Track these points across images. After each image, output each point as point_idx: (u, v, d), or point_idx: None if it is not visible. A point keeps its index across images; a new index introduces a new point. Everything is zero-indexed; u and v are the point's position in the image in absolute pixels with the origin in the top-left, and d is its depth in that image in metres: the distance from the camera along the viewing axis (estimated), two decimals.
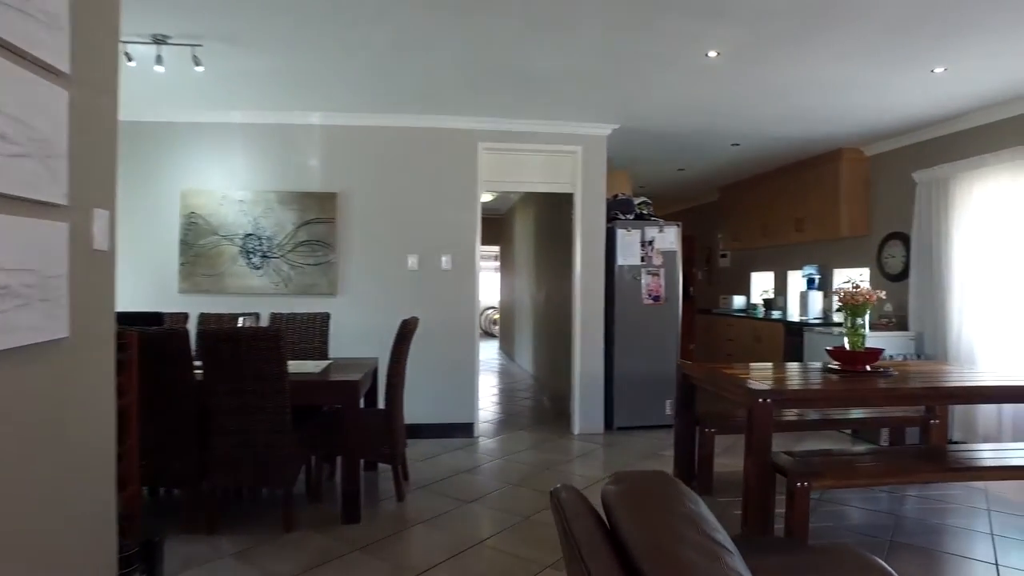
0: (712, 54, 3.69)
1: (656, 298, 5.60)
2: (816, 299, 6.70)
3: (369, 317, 5.03)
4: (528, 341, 8.63)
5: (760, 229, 7.60)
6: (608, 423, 5.49)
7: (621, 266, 5.53)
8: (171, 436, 3.08)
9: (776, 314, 7.41)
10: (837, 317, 6.44)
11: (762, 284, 8.29)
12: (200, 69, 3.61)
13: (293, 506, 3.27)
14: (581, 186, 5.40)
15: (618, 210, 5.64)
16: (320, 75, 4.14)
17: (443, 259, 5.18)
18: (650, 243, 5.58)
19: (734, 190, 8.21)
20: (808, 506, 2.79)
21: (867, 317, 3.67)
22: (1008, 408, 4.67)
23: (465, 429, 5.20)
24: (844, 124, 5.30)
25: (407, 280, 5.14)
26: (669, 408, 5.59)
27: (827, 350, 3.77)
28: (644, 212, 5.73)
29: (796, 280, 7.48)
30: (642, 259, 5.56)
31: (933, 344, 5.36)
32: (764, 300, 7.86)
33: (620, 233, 5.52)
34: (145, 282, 4.86)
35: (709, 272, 9.66)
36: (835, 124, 5.29)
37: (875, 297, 3.62)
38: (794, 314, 7.30)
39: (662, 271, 5.61)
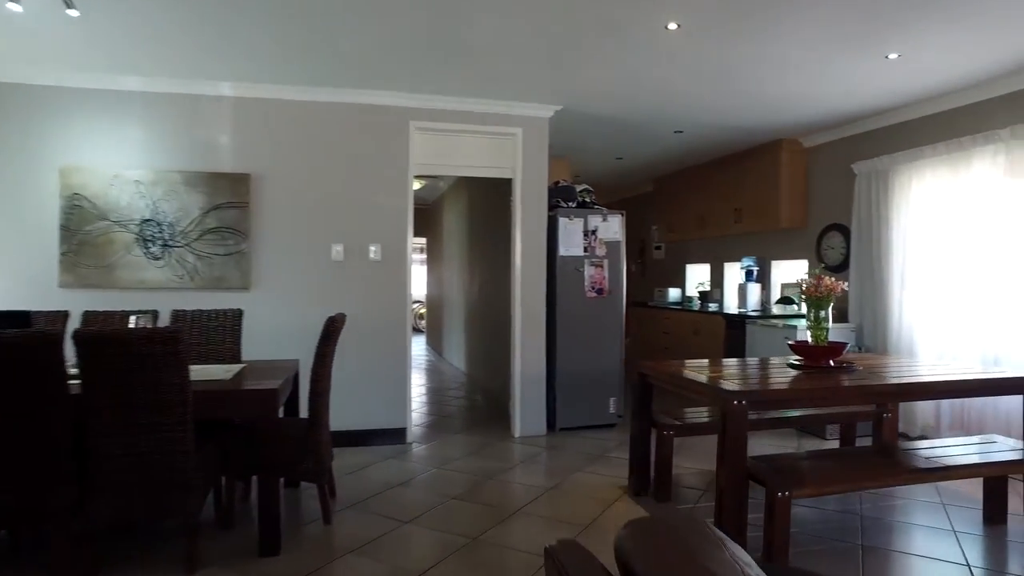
0: (672, 26, 3.40)
1: (600, 291, 5.32)
2: (754, 291, 6.63)
3: (288, 314, 4.50)
4: (459, 337, 8.23)
5: (696, 221, 7.48)
6: (550, 424, 5.17)
7: (563, 256, 5.22)
8: (37, 465, 2.51)
9: (713, 306, 7.32)
10: (776, 309, 6.39)
11: (697, 276, 8.21)
12: (74, 13, 2.99)
13: (199, 538, 2.75)
14: (521, 171, 5.03)
15: (559, 197, 5.32)
16: (232, 36, 3.58)
17: (371, 249, 4.70)
18: (593, 232, 5.29)
19: (670, 181, 8.07)
20: (789, 518, 2.54)
21: (830, 309, 3.49)
22: (946, 400, 4.67)
23: (396, 435, 4.76)
24: (788, 113, 5.17)
25: (331, 272, 4.63)
26: (613, 406, 5.33)
27: (789, 344, 3.57)
28: (587, 200, 5.43)
29: (733, 272, 7.42)
30: (585, 249, 5.27)
31: (873, 336, 5.33)
32: (700, 292, 7.77)
33: (562, 222, 5.21)
34: (15, 276, 4.15)
35: (643, 264, 9.54)
36: (779, 113, 5.15)
37: (840, 288, 3.44)
38: (731, 306, 7.23)
39: (606, 262, 5.33)
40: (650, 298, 8.68)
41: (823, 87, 4.50)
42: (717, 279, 7.67)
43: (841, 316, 5.65)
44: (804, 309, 6.28)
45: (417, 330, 14.46)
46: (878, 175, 5.28)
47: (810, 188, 6.15)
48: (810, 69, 4.10)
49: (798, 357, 3.54)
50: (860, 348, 5.34)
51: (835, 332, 5.39)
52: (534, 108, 4.96)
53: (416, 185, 9.00)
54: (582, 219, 5.26)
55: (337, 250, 4.63)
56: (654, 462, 3.59)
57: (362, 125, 4.67)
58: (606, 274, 5.34)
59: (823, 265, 5.84)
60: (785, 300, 6.31)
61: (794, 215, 6.12)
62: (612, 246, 5.35)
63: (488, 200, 6.66)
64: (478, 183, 7.14)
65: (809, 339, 3.49)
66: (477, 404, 6.34)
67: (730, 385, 2.76)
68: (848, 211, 5.64)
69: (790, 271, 6.57)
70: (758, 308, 6.60)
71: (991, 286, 4.40)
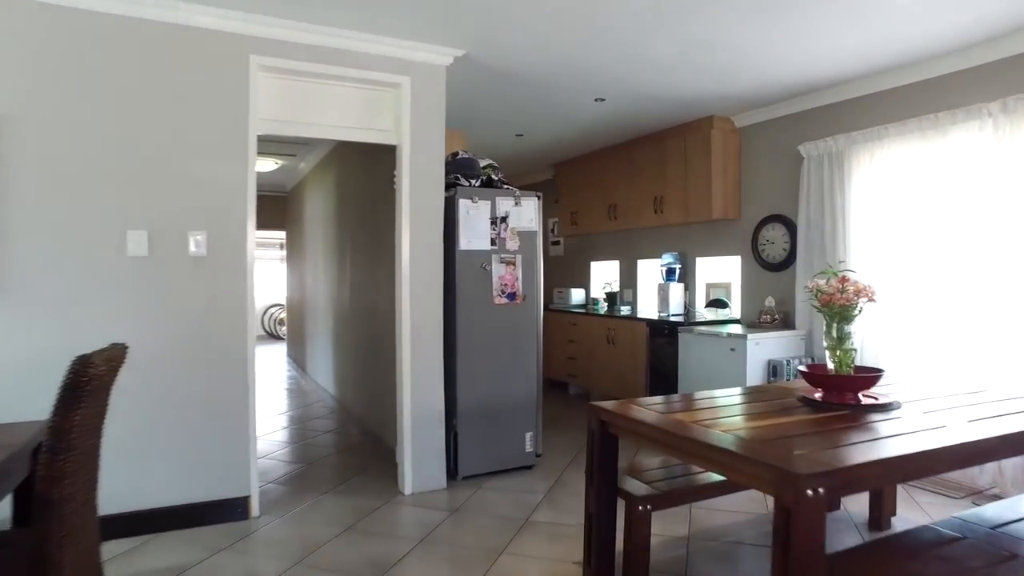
0: None
1: (512, 295, 4.15)
2: (677, 292, 5.75)
3: (49, 339, 2.92)
4: (327, 351, 6.75)
5: (606, 212, 6.52)
6: (451, 470, 3.93)
7: (464, 251, 3.99)
8: None
9: (624, 310, 6.40)
10: (707, 313, 5.54)
11: (603, 275, 7.27)
12: None
13: None
14: (410, 135, 3.74)
15: (458, 173, 4.08)
16: None
17: (192, 240, 3.22)
18: (503, 220, 4.10)
19: (575, 166, 7.06)
20: None
21: (855, 322, 2.53)
22: None
23: (235, 508, 3.30)
24: (728, 82, 4.27)
25: (127, 272, 3.10)
26: (530, 443, 4.18)
27: (801, 372, 2.57)
28: (493, 177, 4.23)
29: (647, 270, 6.54)
30: (493, 242, 4.07)
31: None
32: (607, 294, 6.83)
33: (463, 205, 3.97)
34: None
35: None
36: (718, 81, 4.24)
37: (871, 293, 2.48)
38: (646, 310, 6.34)
39: (519, 258, 4.17)
40: (549, 300, 7.64)
41: (785, 41, 3.59)
42: (629, 278, 6.76)
43: (785, 322, 4.87)
44: (738, 313, 5.52)
45: (277, 337, 12.68)
46: (832, 158, 4.51)
47: (743, 174, 5.34)
48: (776, 14, 3.16)
49: (812, 389, 2.57)
50: (812, 360, 4.56)
51: (780, 341, 4.58)
52: (429, 51, 3.69)
53: (270, 164, 7.38)
54: (489, 202, 4.05)
55: (137, 239, 3.11)
56: (623, 548, 2.46)
57: (179, 56, 3.17)
58: (519, 274, 4.17)
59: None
60: (717, 303, 5.47)
61: (727, 205, 5.28)
62: (527, 238, 4.19)
63: (363, 180, 5.29)
64: (350, 159, 5.74)
65: (829, 364, 2.52)
66: (352, 442, 4.96)
67: (799, 463, 1.66)
68: (791, 200, 4.87)
69: (717, 269, 5.75)
70: (681, 312, 5.73)
71: (971, 288, 3.71)
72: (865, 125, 4.31)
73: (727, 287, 5.60)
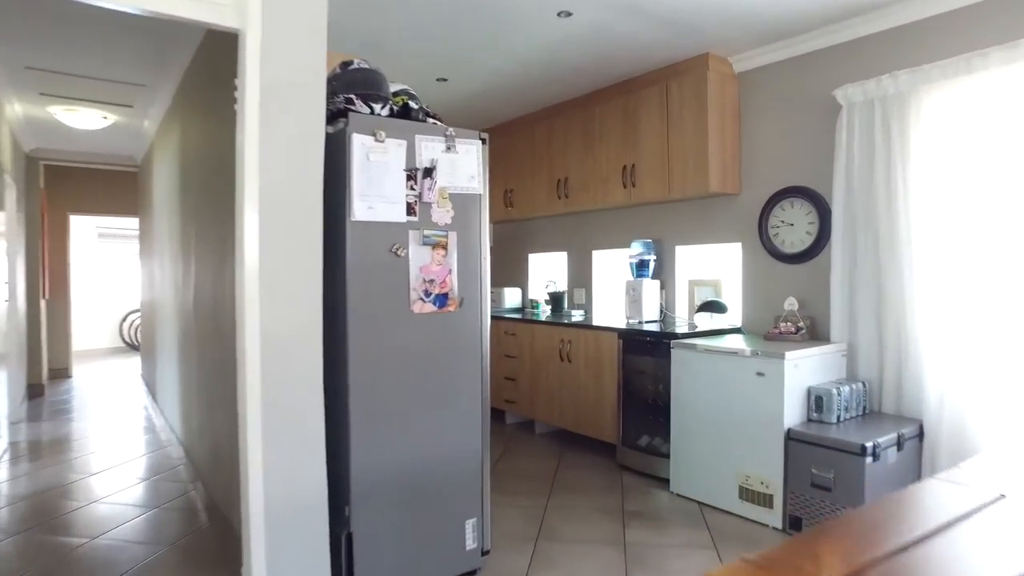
0: None
1: (442, 299, 2.58)
2: (652, 292, 4.36)
3: None
4: (173, 377, 4.90)
5: (553, 189, 5.04)
6: None
7: (362, 223, 2.37)
8: None
9: (576, 315, 4.96)
10: (700, 321, 4.17)
11: (544, 271, 5.81)
12: None
13: None
14: (262, 12, 2.11)
15: (353, 92, 2.46)
16: None
17: None
18: (428, 174, 2.52)
19: (512, 131, 5.53)
20: None
21: None
22: None
23: None
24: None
25: None
26: (473, 536, 2.62)
27: None
28: (411, 106, 2.63)
29: (606, 264, 5.13)
30: (410, 209, 2.49)
31: (877, 364, 3.27)
32: (550, 294, 5.37)
33: (360, 144, 2.35)
34: None
35: None
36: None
37: None
38: (604, 315, 4.93)
39: (453, 238, 2.60)
40: None
41: None
42: (580, 275, 5.32)
43: (816, 333, 3.56)
44: (739, 320, 4.18)
45: (134, 347, 10.51)
46: (887, 103, 3.22)
47: (744, 134, 4.01)
48: None
49: None
50: (865, 386, 3.25)
51: (815, 360, 3.24)
52: None
53: (94, 119, 5.29)
54: (404, 143, 2.46)
55: None
56: None
57: None
58: (454, 264, 2.61)
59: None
60: (712, 306, 4.10)
61: (725, 175, 3.93)
62: (465, 204, 2.64)
63: (211, 135, 3.55)
64: (199, 107, 3.98)
65: None
66: (194, 526, 3.22)
67: None
68: (818, 166, 3.58)
69: (702, 261, 4.40)
70: (657, 317, 4.35)
71: None
72: (940, 56, 3.05)
73: (716, 284, 4.27)
